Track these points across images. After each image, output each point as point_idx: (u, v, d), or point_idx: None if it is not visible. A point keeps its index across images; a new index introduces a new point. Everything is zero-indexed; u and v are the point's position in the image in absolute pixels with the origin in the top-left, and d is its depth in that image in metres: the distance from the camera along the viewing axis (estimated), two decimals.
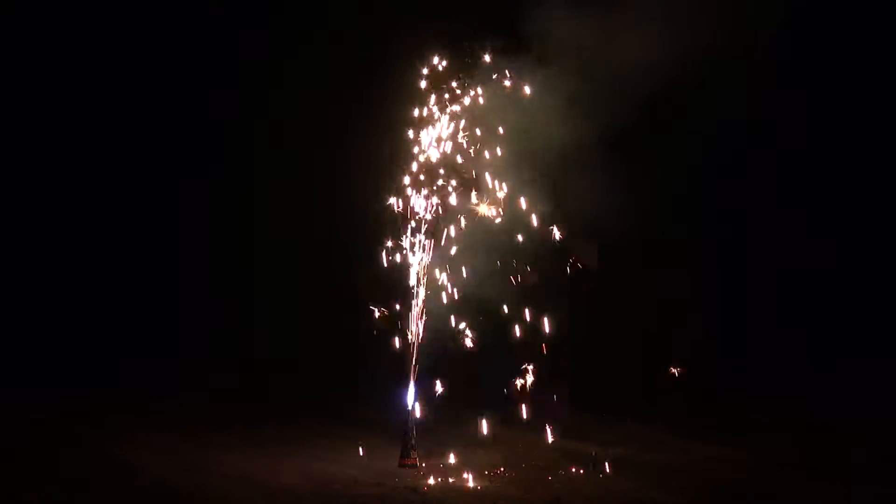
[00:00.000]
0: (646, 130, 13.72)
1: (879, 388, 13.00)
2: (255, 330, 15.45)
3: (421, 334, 9.78)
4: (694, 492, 8.29)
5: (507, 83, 10.24)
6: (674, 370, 11.74)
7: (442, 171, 10.04)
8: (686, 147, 14.26)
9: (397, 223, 9.99)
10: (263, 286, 16.34)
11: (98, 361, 14.28)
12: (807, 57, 14.81)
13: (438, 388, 9.63)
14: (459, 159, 10.12)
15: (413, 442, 9.36)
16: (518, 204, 9.98)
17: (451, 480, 8.77)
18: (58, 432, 10.04)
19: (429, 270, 9.92)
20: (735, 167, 16.02)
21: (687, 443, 10.60)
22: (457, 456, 9.45)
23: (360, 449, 9.68)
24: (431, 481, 8.64)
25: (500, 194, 9.96)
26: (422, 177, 10.04)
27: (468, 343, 9.78)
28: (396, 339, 9.80)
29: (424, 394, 9.60)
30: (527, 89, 10.27)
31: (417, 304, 9.82)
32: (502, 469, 9.11)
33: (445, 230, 9.92)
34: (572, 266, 10.01)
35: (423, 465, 9.26)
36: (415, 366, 9.69)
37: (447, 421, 10.32)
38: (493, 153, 10.11)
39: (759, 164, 16.26)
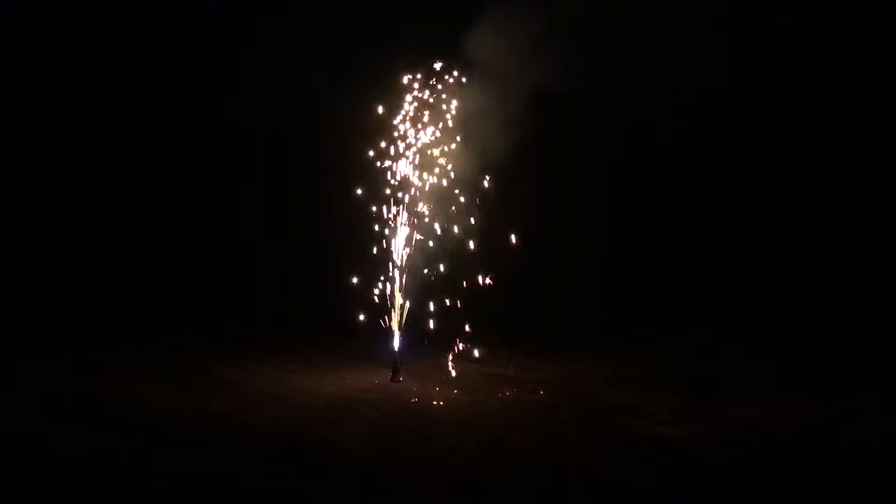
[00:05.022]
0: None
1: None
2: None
3: (402, 292, 15.12)
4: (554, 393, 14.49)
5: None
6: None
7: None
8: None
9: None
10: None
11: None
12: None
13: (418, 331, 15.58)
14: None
15: (399, 367, 15.02)
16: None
17: (425, 389, 14.74)
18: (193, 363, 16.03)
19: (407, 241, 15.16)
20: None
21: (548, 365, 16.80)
22: (425, 378, 15.49)
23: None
24: (413, 390, 14.67)
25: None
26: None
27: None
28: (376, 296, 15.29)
29: (405, 336, 15.26)
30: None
31: (401, 269, 15.15)
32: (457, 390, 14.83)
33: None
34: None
35: (403, 381, 14.86)
36: (399, 317, 15.21)
37: (420, 355, 16.49)
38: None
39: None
